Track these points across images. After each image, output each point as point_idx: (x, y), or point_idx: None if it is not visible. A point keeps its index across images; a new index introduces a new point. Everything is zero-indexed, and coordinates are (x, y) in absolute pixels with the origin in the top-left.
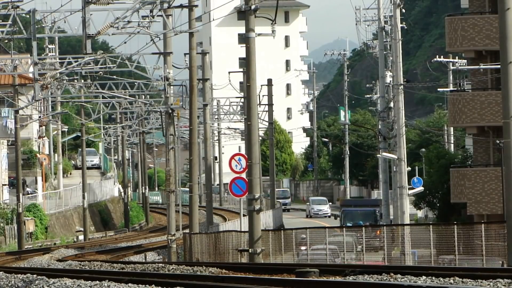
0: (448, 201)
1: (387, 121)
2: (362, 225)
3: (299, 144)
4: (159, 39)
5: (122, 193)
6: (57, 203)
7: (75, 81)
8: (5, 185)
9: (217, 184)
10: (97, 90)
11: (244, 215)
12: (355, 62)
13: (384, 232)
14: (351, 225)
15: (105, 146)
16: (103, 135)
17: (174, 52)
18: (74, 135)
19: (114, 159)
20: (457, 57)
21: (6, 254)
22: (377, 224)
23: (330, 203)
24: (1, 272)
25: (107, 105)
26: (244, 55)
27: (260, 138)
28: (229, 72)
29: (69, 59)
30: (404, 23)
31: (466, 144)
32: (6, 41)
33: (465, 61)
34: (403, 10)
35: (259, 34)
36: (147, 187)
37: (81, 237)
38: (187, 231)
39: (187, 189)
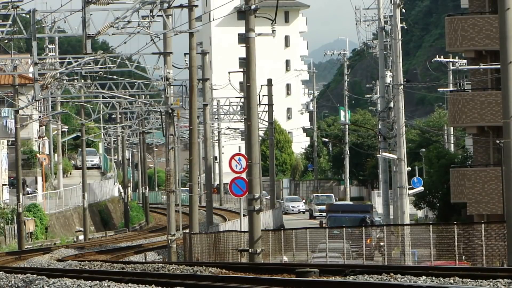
0: (448, 201)
1: (387, 121)
2: (349, 226)
3: (299, 144)
4: (159, 39)
5: (122, 193)
6: (57, 203)
7: (75, 81)
8: (5, 185)
9: (217, 184)
10: (97, 90)
11: (244, 215)
12: (355, 62)
13: (384, 232)
14: (337, 232)
15: (105, 146)
16: (103, 135)
17: (174, 52)
18: (74, 135)
19: (114, 159)
20: (457, 57)
21: (6, 254)
22: (366, 225)
23: None
24: (1, 272)
25: (107, 105)
26: (244, 55)
27: (260, 138)
28: (229, 72)
29: (69, 59)
30: (404, 23)
31: (466, 144)
32: (6, 41)
33: (465, 61)
34: (403, 10)
35: (259, 34)
36: (147, 187)
37: (81, 237)
38: (187, 231)
39: (187, 189)
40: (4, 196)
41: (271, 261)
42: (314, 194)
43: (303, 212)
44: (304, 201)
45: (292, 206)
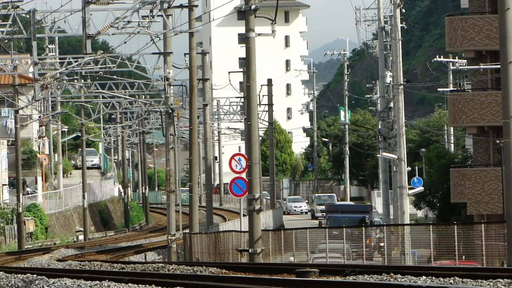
0: (448, 201)
1: (387, 121)
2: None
3: (299, 144)
4: (159, 39)
5: (122, 193)
6: (57, 203)
7: (75, 81)
8: (5, 185)
9: (217, 184)
10: (97, 90)
11: (244, 215)
12: (355, 62)
13: (384, 232)
14: (336, 233)
15: (105, 146)
16: (103, 135)
17: (174, 52)
18: (74, 135)
19: (114, 159)
20: (457, 57)
21: (6, 254)
22: (366, 225)
23: None
24: (1, 272)
25: (107, 105)
26: (244, 55)
27: (260, 138)
28: (229, 72)
29: (69, 59)
30: (404, 23)
31: (466, 144)
32: (6, 41)
33: (465, 61)
34: (403, 10)
35: (259, 34)
36: (147, 187)
37: (81, 237)
38: (187, 231)
39: (187, 189)
40: (4, 196)
41: (271, 261)
42: (316, 194)
43: (306, 213)
44: (306, 201)
45: (295, 207)
